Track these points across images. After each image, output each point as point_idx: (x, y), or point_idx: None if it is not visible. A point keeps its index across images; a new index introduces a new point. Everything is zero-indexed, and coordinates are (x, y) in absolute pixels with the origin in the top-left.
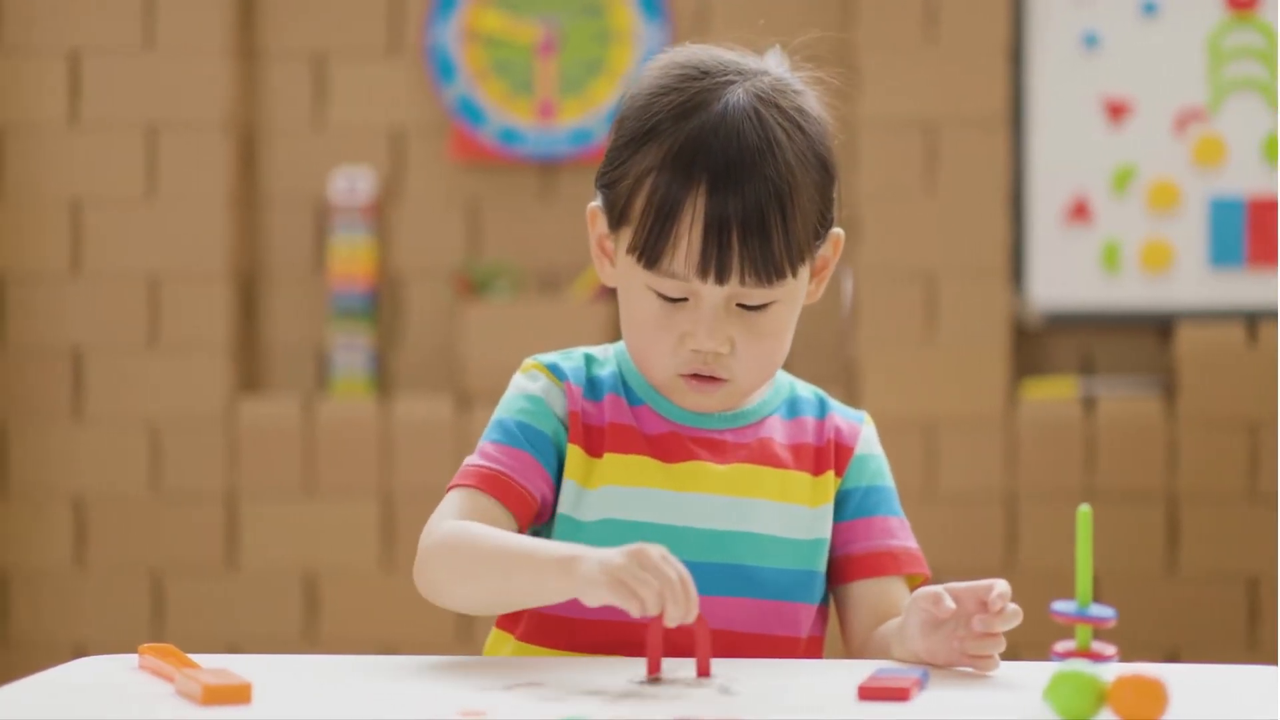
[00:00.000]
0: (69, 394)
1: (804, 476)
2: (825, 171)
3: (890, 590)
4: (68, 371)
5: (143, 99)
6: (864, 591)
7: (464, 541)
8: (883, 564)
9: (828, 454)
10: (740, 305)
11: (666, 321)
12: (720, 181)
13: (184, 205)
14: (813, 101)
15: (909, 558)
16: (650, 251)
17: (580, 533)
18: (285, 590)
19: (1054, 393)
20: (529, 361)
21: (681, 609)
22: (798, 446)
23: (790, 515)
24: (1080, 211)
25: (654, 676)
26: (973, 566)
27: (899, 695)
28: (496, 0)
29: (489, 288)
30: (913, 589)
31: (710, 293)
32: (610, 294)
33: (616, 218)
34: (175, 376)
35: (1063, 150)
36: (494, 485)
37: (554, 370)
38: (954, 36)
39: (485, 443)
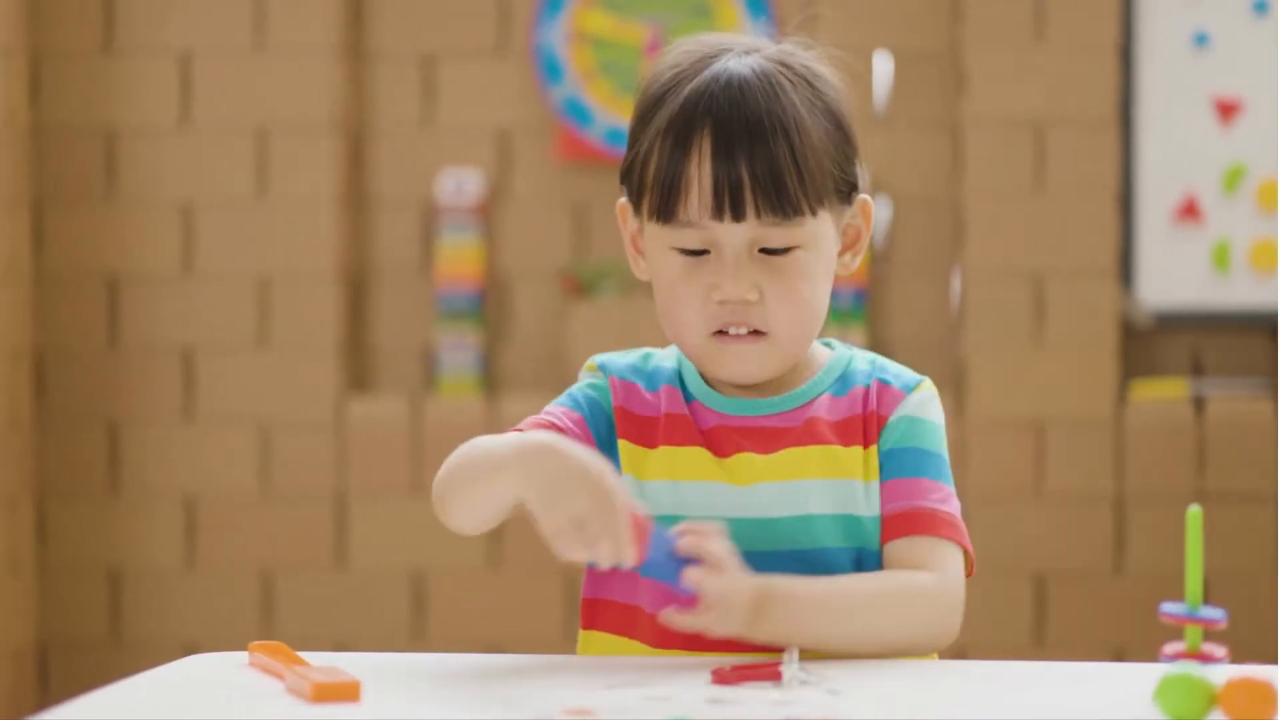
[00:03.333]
0: (180, 394)
1: (855, 450)
2: (839, 127)
3: (900, 552)
4: (178, 372)
5: (253, 100)
6: (886, 557)
7: (456, 457)
8: (892, 527)
9: (872, 423)
10: (763, 251)
11: (691, 278)
12: (724, 120)
13: (293, 206)
14: (825, 69)
15: (926, 518)
16: (665, 205)
17: None
18: (393, 589)
19: (1163, 393)
20: (590, 362)
21: (611, 550)
22: (846, 422)
23: (844, 491)
24: (1190, 211)
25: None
26: (1081, 567)
27: None
28: (603, 1)
29: (596, 288)
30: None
31: (729, 236)
32: None
33: (637, 196)
34: (284, 377)
35: (1172, 149)
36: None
37: (602, 366)
38: (1063, 35)
39: (549, 406)
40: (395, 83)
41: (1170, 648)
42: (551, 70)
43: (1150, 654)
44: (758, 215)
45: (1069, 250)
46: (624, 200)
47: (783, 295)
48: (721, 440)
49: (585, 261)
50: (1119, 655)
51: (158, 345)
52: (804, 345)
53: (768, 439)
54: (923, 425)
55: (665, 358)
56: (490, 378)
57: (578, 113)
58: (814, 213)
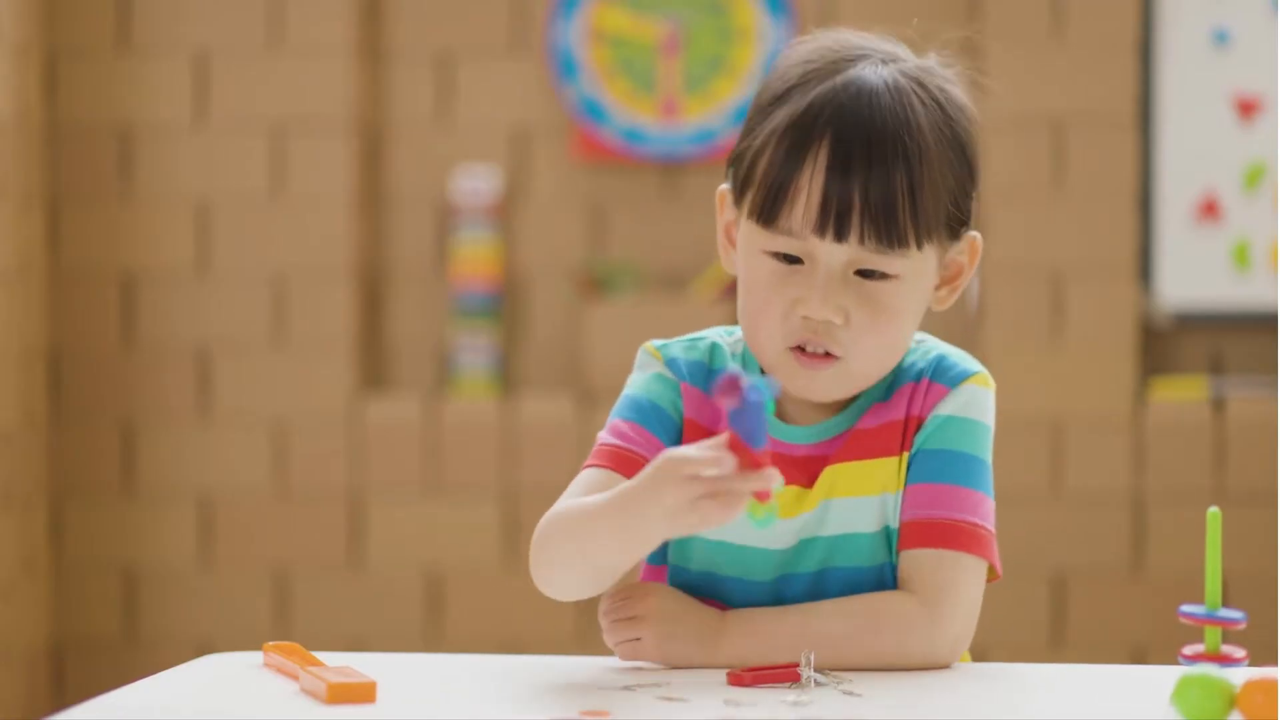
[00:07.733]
0: (195, 393)
1: (891, 461)
2: (964, 158)
3: (909, 563)
4: (193, 371)
5: (268, 99)
6: (899, 567)
7: (556, 522)
8: (907, 536)
9: (912, 427)
10: (859, 273)
11: (780, 286)
12: (846, 134)
13: (309, 204)
14: (960, 93)
15: (942, 530)
16: (769, 208)
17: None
18: (409, 589)
19: (1183, 393)
20: (651, 346)
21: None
22: (887, 428)
23: (879, 506)
24: (1210, 210)
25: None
26: (1100, 568)
27: None
28: None
29: (612, 287)
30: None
31: (828, 254)
32: (733, 294)
33: (741, 187)
34: (300, 375)
35: (1192, 148)
36: (626, 465)
37: (670, 364)
38: (1082, 32)
39: (618, 419)
40: (411, 81)
41: (1189, 649)
42: (568, 68)
43: (1170, 654)
44: (861, 240)
45: (1088, 249)
46: (725, 187)
47: (868, 325)
48: None
49: (601, 261)
50: (1138, 656)
51: (173, 344)
52: (878, 375)
53: (813, 466)
54: (959, 424)
55: (731, 359)
56: (506, 377)
57: (595, 111)
58: (920, 246)
